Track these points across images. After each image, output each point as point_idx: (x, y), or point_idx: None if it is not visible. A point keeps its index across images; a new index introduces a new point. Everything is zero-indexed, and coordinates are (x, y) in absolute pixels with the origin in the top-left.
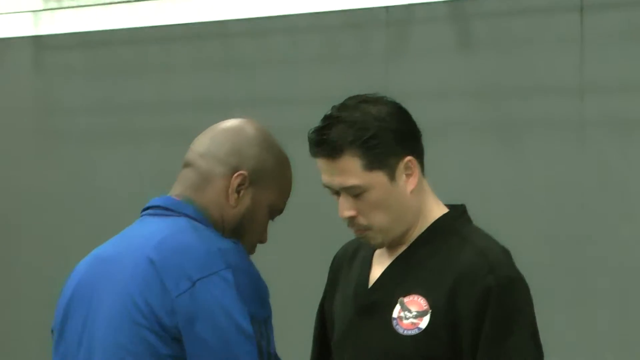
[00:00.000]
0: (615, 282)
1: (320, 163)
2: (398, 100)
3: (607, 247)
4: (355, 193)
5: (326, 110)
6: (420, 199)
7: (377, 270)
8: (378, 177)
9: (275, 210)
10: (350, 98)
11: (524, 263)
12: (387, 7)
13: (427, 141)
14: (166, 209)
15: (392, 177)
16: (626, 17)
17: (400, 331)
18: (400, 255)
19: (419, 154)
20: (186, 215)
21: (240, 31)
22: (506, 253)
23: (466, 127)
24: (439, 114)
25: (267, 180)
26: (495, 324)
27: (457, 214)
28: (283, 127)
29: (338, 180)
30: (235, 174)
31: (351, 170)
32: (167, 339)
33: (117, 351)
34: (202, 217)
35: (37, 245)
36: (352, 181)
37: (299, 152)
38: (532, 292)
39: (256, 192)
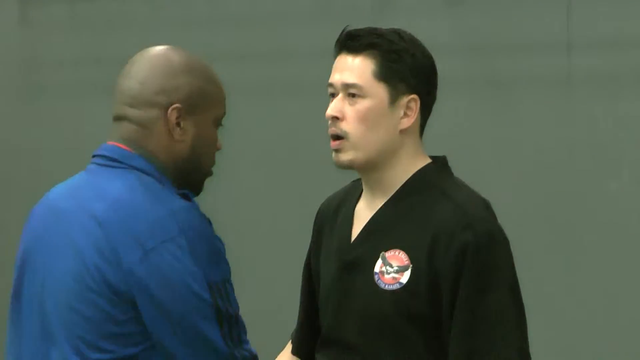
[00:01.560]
0: (603, 237)
1: (337, 61)
2: None
3: (594, 202)
4: (353, 93)
5: (314, 65)
6: (405, 146)
7: (358, 225)
8: (380, 90)
9: (219, 120)
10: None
11: (511, 219)
12: None
13: None
14: (114, 160)
15: (392, 100)
16: None
17: (382, 286)
18: (381, 208)
19: (425, 105)
20: (135, 168)
21: None
22: (485, 206)
23: (453, 83)
24: None
25: (202, 102)
26: (473, 279)
27: (437, 165)
28: (270, 82)
29: (345, 76)
30: (169, 110)
31: (361, 70)
32: (122, 305)
33: (72, 316)
34: (152, 167)
35: (23, 200)
36: (356, 80)
37: (290, 105)
38: (519, 248)
39: (197, 117)
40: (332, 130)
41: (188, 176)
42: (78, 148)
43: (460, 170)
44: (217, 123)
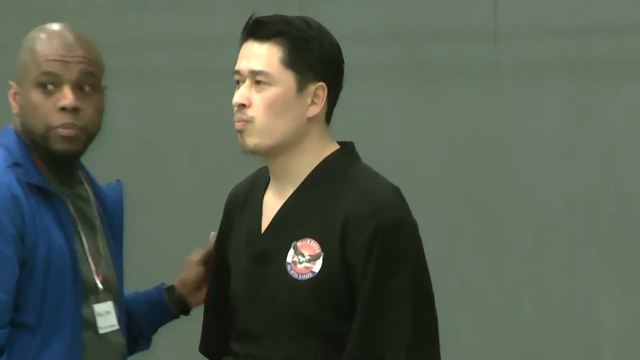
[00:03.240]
0: (528, 224)
1: (244, 48)
2: None
3: (520, 189)
4: (259, 81)
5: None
6: (311, 133)
7: (267, 215)
8: (288, 77)
9: (44, 82)
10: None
11: (437, 206)
12: None
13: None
14: None
15: (300, 87)
16: None
17: (295, 276)
18: (290, 198)
19: (333, 96)
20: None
21: None
22: (394, 192)
23: (381, 71)
24: (354, 58)
25: (21, 71)
26: (377, 264)
27: (345, 152)
28: (200, 69)
29: (252, 63)
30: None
31: (269, 57)
32: None
33: None
34: (12, 140)
35: None
36: (263, 67)
37: (213, 92)
38: (444, 235)
39: (21, 88)
40: (238, 117)
41: (34, 143)
42: None
43: (387, 157)
44: (41, 84)
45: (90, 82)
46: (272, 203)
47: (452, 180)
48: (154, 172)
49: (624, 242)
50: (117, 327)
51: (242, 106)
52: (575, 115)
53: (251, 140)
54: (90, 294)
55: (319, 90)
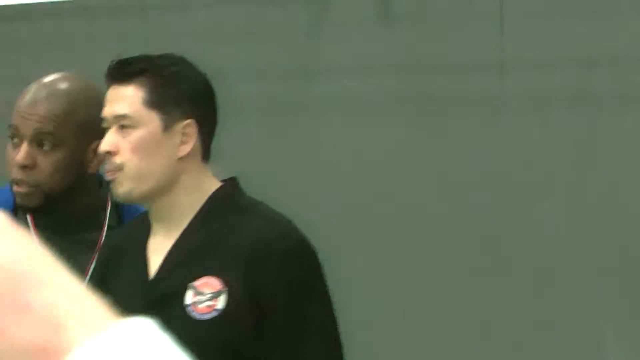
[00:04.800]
0: (535, 256)
1: (109, 93)
2: (319, 75)
3: (528, 223)
4: (123, 124)
5: (248, 83)
6: (186, 172)
7: (156, 259)
8: (152, 118)
9: (12, 133)
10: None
11: (443, 237)
12: None
13: (347, 115)
14: None
15: (166, 127)
16: None
17: (197, 317)
18: (180, 238)
19: (206, 131)
20: None
21: (160, 4)
22: (291, 221)
23: (386, 101)
24: (359, 88)
25: None
26: (295, 287)
27: (231, 187)
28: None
29: (115, 108)
30: None
31: (131, 99)
32: None
33: None
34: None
35: None
36: (125, 110)
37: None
38: (451, 267)
39: None
40: (107, 167)
41: None
42: None
43: (392, 187)
44: (10, 136)
45: (49, 140)
46: (158, 246)
47: (457, 212)
48: None
49: (631, 278)
50: None
51: (109, 154)
52: (582, 147)
53: (123, 189)
54: None
55: (187, 128)
